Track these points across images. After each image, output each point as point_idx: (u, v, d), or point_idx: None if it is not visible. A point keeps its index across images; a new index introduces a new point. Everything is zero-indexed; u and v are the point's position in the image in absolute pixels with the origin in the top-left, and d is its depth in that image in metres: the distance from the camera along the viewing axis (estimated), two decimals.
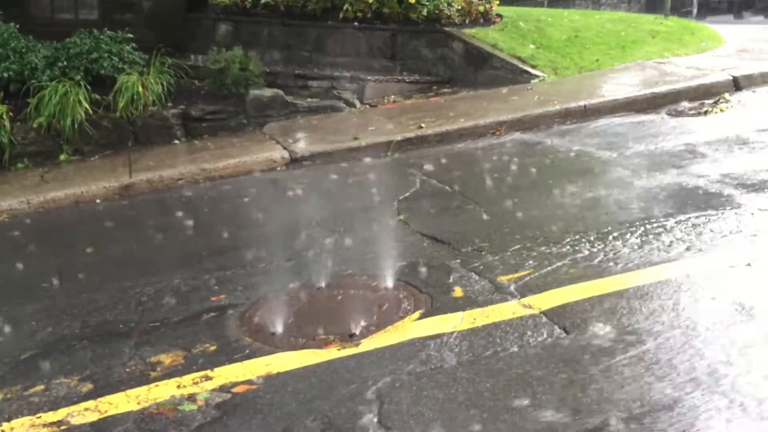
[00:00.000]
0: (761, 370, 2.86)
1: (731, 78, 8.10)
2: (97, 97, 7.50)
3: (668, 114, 7.32)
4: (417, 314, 3.62)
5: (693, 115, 7.20)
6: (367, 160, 6.76)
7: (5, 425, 3.03)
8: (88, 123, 7.34)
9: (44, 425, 3.01)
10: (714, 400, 2.71)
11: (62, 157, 7.35)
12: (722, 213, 4.50)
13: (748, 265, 3.78)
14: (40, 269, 4.86)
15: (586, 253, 4.10)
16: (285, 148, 7.08)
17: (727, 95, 7.71)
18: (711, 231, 4.26)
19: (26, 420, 3.05)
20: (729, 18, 19.49)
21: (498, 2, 10.37)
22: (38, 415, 3.08)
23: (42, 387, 3.30)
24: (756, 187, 4.91)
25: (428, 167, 6.22)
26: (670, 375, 2.89)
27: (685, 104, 7.55)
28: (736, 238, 4.15)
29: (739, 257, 3.86)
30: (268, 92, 8.16)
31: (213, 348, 3.51)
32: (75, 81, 7.44)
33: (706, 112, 7.20)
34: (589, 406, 2.75)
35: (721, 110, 7.24)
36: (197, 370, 3.30)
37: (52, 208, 6.29)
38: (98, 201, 6.39)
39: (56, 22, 9.62)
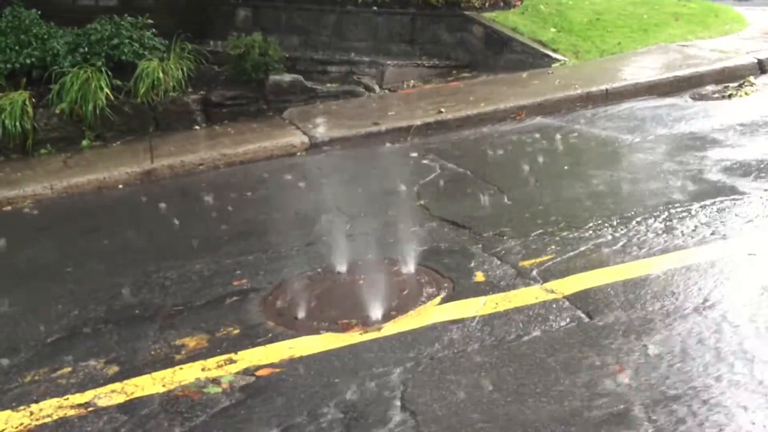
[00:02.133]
0: None
1: (756, 61, 7.97)
2: (118, 83, 7.53)
3: (692, 97, 7.23)
4: (439, 299, 3.62)
5: (717, 98, 7.10)
6: (387, 145, 6.75)
7: (33, 406, 3.08)
8: (110, 109, 7.37)
9: (72, 407, 3.05)
10: (741, 387, 2.69)
11: (84, 142, 7.41)
12: (747, 198, 4.44)
13: None
14: (65, 253, 4.92)
15: (609, 237, 4.08)
16: (305, 133, 7.08)
17: (752, 78, 7.59)
18: (736, 216, 4.21)
19: (54, 402, 3.10)
20: None
21: None
22: (66, 397, 3.12)
23: (69, 369, 3.35)
24: None
25: (448, 152, 6.20)
26: (695, 360, 2.87)
27: (708, 87, 7.45)
28: (762, 223, 4.10)
29: (764, 242, 3.82)
30: (287, 77, 8.15)
31: (236, 331, 3.54)
32: (96, 67, 7.47)
33: (730, 96, 7.09)
34: (614, 391, 2.74)
35: (746, 93, 7.13)
36: (221, 354, 3.33)
37: (75, 193, 6.36)
38: (120, 186, 6.45)
39: (77, 8, 9.69)
